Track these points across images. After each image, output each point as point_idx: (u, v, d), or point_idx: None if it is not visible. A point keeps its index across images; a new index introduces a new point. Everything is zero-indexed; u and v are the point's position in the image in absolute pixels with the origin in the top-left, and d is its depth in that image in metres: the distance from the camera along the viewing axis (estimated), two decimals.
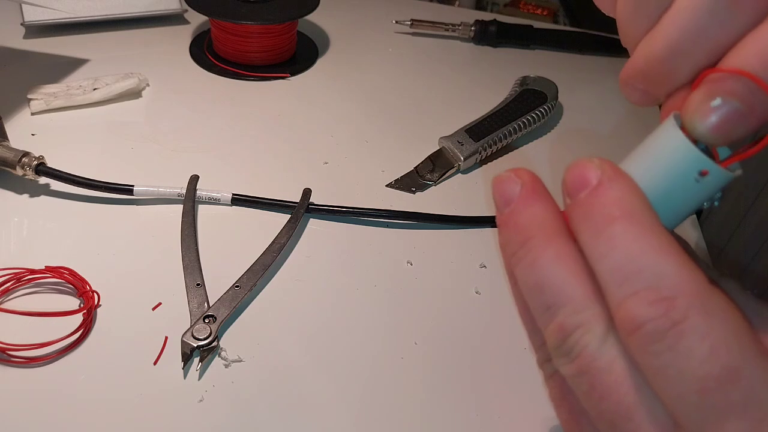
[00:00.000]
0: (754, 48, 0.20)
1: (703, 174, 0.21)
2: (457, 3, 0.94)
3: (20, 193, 0.47)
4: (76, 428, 0.34)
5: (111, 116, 0.56)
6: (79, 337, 0.37)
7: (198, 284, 0.41)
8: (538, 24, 0.76)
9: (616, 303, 0.20)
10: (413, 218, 0.48)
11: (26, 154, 0.46)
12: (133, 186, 0.47)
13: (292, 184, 0.49)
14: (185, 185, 0.48)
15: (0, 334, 0.36)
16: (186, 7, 0.64)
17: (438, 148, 0.55)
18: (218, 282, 0.41)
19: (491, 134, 0.55)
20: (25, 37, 0.66)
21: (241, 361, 0.38)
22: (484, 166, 0.56)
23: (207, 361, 0.37)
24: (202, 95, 0.61)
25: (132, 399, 0.35)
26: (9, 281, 0.40)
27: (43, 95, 0.56)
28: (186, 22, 0.72)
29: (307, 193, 0.48)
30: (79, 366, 0.36)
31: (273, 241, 0.44)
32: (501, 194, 0.24)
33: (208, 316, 0.39)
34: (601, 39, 0.74)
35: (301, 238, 0.46)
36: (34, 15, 0.65)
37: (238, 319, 0.40)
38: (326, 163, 0.54)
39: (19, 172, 0.45)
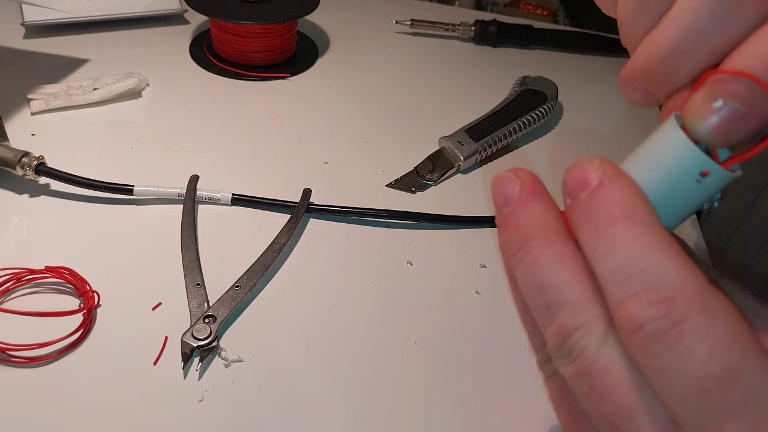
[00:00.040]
0: (757, 49, 0.20)
1: (704, 174, 0.21)
2: (457, 3, 0.94)
3: (20, 193, 0.47)
4: (76, 428, 0.34)
5: (111, 116, 0.56)
6: (79, 337, 0.37)
7: (198, 284, 0.41)
8: (538, 24, 0.76)
9: (617, 303, 0.20)
10: (413, 218, 0.48)
11: (26, 154, 0.46)
12: (133, 186, 0.47)
13: (292, 184, 0.49)
14: (185, 185, 0.48)
15: (0, 334, 0.36)
16: (186, 7, 0.64)
17: (438, 148, 0.55)
18: (218, 282, 0.41)
19: (491, 134, 0.55)
20: (25, 37, 0.66)
21: (241, 361, 0.38)
22: (484, 166, 0.56)
23: (207, 361, 0.37)
24: (202, 95, 0.61)
25: (132, 399, 0.35)
26: (9, 281, 0.40)
27: (43, 95, 0.56)
28: (186, 22, 0.72)
29: (307, 193, 0.48)
30: (79, 366, 0.36)
31: (273, 241, 0.44)
32: (500, 194, 0.24)
33: (208, 316, 0.39)
34: (601, 39, 0.74)
35: (301, 238, 0.46)
36: (34, 15, 0.65)
37: (238, 319, 0.40)
38: (326, 163, 0.54)
39: (19, 172, 0.45)
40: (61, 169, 0.46)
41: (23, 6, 0.64)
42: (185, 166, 0.51)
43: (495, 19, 0.74)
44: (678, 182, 0.21)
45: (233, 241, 0.46)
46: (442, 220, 0.49)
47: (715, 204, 0.22)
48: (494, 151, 0.56)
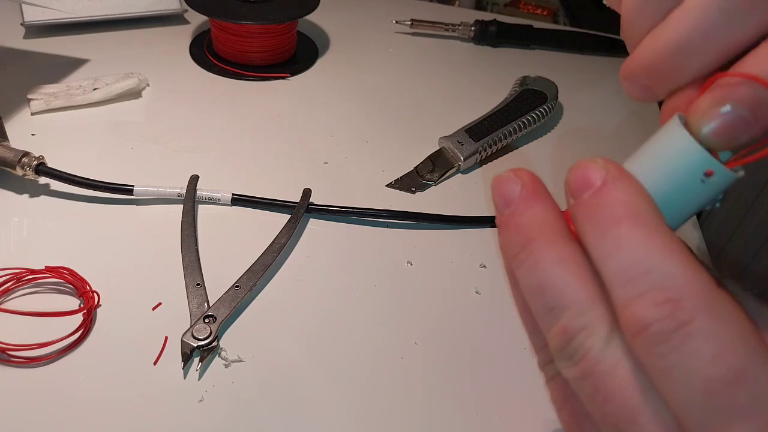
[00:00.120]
0: None
1: (708, 175, 0.21)
2: (457, 3, 0.94)
3: (20, 193, 0.47)
4: (76, 428, 0.34)
5: (111, 116, 0.56)
6: (79, 337, 0.37)
7: (198, 284, 0.41)
8: (538, 24, 0.76)
9: (622, 304, 0.20)
10: (413, 218, 0.48)
11: (26, 154, 0.46)
12: (133, 186, 0.47)
13: (292, 184, 0.49)
14: (185, 185, 0.48)
15: (0, 334, 0.36)
16: (186, 7, 0.64)
17: (438, 148, 0.55)
18: (218, 282, 0.41)
19: (491, 134, 0.55)
20: (25, 37, 0.66)
21: (241, 361, 0.38)
22: (484, 166, 0.56)
23: (207, 361, 0.37)
24: (202, 95, 0.61)
25: (132, 399, 0.35)
26: (9, 281, 0.40)
27: (43, 95, 0.56)
28: (186, 22, 0.72)
29: (307, 193, 0.48)
30: (79, 366, 0.36)
31: (273, 241, 0.44)
32: (501, 195, 0.24)
33: (208, 316, 0.39)
34: (601, 39, 0.74)
35: (301, 238, 0.46)
36: (34, 15, 0.65)
37: (238, 319, 0.40)
38: (326, 163, 0.54)
39: (19, 172, 0.45)
40: (61, 169, 0.46)
41: (23, 6, 0.64)
42: (185, 166, 0.51)
43: (495, 19, 0.74)
44: (682, 182, 0.21)
45: (233, 241, 0.46)
46: (442, 220, 0.49)
47: (717, 205, 0.22)
48: (494, 151, 0.56)
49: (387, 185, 0.52)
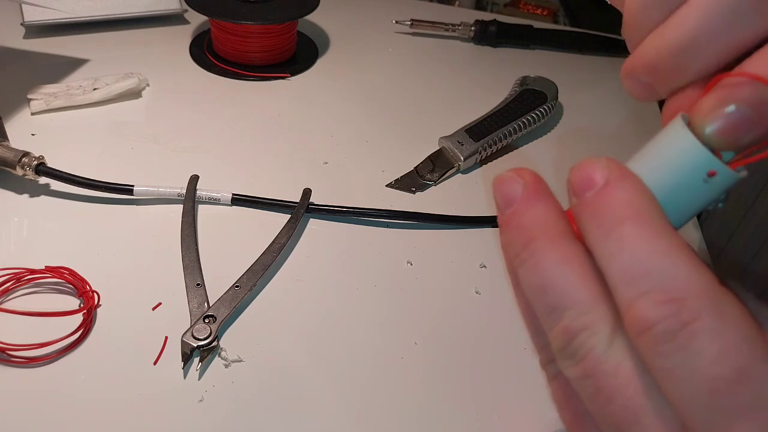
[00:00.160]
0: None
1: (710, 175, 0.21)
2: (457, 3, 0.94)
3: (20, 193, 0.47)
4: (76, 428, 0.34)
5: (111, 116, 0.56)
6: (79, 337, 0.37)
7: (198, 284, 0.41)
8: (538, 24, 0.76)
9: (626, 304, 0.20)
10: (413, 218, 0.48)
11: (26, 154, 0.46)
12: (133, 186, 0.47)
13: (292, 184, 0.49)
14: (185, 185, 0.48)
15: (0, 334, 0.36)
16: (186, 7, 0.64)
17: (438, 148, 0.55)
18: (218, 282, 0.41)
19: (491, 134, 0.55)
20: (25, 37, 0.66)
21: (241, 361, 0.38)
22: (484, 166, 0.56)
23: (207, 361, 0.37)
24: (202, 95, 0.61)
25: (132, 399, 0.35)
26: (9, 281, 0.40)
27: (43, 95, 0.56)
28: (186, 22, 0.72)
29: (307, 193, 0.48)
30: (79, 366, 0.36)
31: (273, 241, 0.44)
32: (502, 195, 0.23)
33: (208, 316, 0.39)
34: (601, 39, 0.74)
35: (301, 238, 0.46)
36: (34, 15, 0.65)
37: (238, 319, 0.40)
38: (326, 163, 0.54)
39: (19, 172, 0.45)
40: (61, 169, 0.46)
41: (23, 6, 0.64)
42: (185, 166, 0.51)
43: (495, 19, 0.74)
44: (685, 182, 0.21)
45: (233, 241, 0.46)
46: (442, 220, 0.49)
47: (720, 205, 0.22)
48: (494, 151, 0.56)
49: (387, 185, 0.52)
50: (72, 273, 0.41)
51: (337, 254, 0.46)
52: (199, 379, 0.36)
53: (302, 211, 0.47)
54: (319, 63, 0.68)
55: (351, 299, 0.42)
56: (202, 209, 0.48)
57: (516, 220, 0.23)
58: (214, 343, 0.38)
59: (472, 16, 0.77)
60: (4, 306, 0.39)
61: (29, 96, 0.56)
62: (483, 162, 0.56)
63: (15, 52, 0.63)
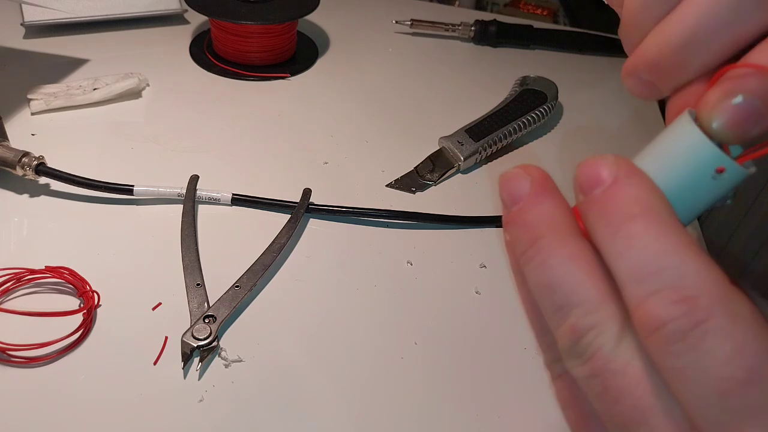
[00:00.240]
0: None
1: (719, 171, 0.20)
2: (457, 3, 0.94)
3: (20, 193, 0.47)
4: (76, 428, 0.34)
5: (111, 116, 0.56)
6: (79, 337, 0.37)
7: (198, 284, 0.41)
8: (538, 24, 0.76)
9: (635, 302, 0.19)
10: (413, 218, 0.48)
11: (26, 154, 0.46)
12: (133, 186, 0.47)
13: (292, 184, 0.49)
14: (185, 185, 0.48)
15: (0, 334, 0.36)
16: (186, 7, 0.64)
17: (438, 148, 0.55)
18: (218, 282, 0.41)
19: (491, 134, 0.55)
20: (25, 37, 0.66)
21: (241, 361, 0.38)
22: (484, 166, 0.56)
23: (207, 361, 0.37)
24: (202, 95, 0.61)
25: (132, 399, 0.35)
26: (9, 281, 0.40)
27: (43, 95, 0.56)
28: (186, 22, 0.72)
29: (307, 193, 0.48)
30: (79, 366, 0.36)
31: (273, 241, 0.44)
32: (509, 192, 0.23)
33: (208, 316, 0.39)
34: (601, 39, 0.74)
35: (301, 238, 0.46)
36: (34, 15, 0.65)
37: (238, 319, 0.40)
38: (326, 163, 0.54)
39: (19, 172, 0.45)
40: (61, 169, 0.46)
41: (23, 6, 0.64)
42: (185, 166, 0.51)
43: (495, 19, 0.74)
44: (693, 179, 0.21)
45: (233, 241, 0.46)
46: (442, 220, 0.49)
47: (728, 201, 0.22)
48: (494, 151, 0.56)
49: (387, 185, 0.52)
50: (72, 273, 0.41)
51: (337, 254, 0.46)
52: (199, 379, 0.36)
53: (302, 211, 0.47)
54: (319, 63, 0.68)
55: (351, 299, 0.42)
56: (202, 209, 0.48)
57: (523, 218, 0.22)
58: (214, 343, 0.38)
59: (472, 16, 0.77)
60: (4, 306, 0.39)
61: (29, 96, 0.56)
62: (483, 162, 0.56)
63: (15, 52, 0.63)
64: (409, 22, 0.73)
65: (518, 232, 0.23)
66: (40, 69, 0.61)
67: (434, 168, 0.54)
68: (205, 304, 0.40)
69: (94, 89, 0.57)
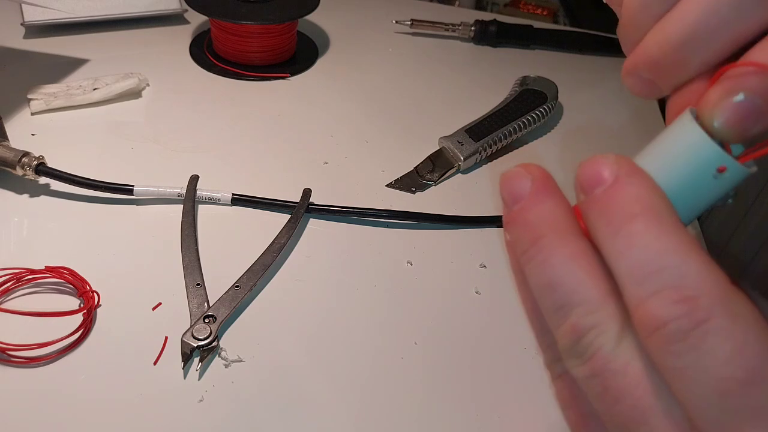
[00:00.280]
0: None
1: (720, 170, 0.20)
2: (457, 3, 0.94)
3: (20, 193, 0.47)
4: (76, 428, 0.34)
5: (111, 116, 0.56)
6: (79, 337, 0.37)
7: (198, 284, 0.41)
8: (538, 24, 0.76)
9: (636, 302, 0.19)
10: (413, 218, 0.48)
11: (26, 154, 0.46)
12: (133, 186, 0.47)
13: (292, 184, 0.49)
14: (185, 185, 0.48)
15: (0, 334, 0.36)
16: (186, 7, 0.64)
17: (438, 148, 0.55)
18: (218, 282, 0.41)
19: (491, 134, 0.55)
20: (25, 37, 0.66)
21: (241, 361, 0.38)
22: (484, 166, 0.56)
23: (207, 361, 0.37)
24: (202, 95, 0.61)
25: (132, 399, 0.35)
26: (9, 281, 0.40)
27: (43, 95, 0.56)
28: (186, 22, 0.72)
29: (307, 193, 0.48)
30: (79, 366, 0.36)
31: (273, 241, 0.44)
32: (510, 191, 0.23)
33: (208, 316, 0.39)
34: (601, 39, 0.74)
35: (301, 238, 0.46)
36: (34, 15, 0.65)
37: (238, 319, 0.40)
38: (326, 163, 0.54)
39: (19, 172, 0.45)
40: (61, 169, 0.46)
41: (23, 6, 0.64)
42: (185, 166, 0.51)
43: (495, 19, 0.74)
44: (694, 178, 0.21)
45: (233, 241, 0.46)
46: (442, 220, 0.49)
47: (729, 201, 0.22)
48: (494, 151, 0.56)
49: (387, 185, 0.52)
50: (72, 273, 0.41)
51: (337, 254, 0.46)
52: (199, 379, 0.36)
53: (302, 211, 0.47)
54: (319, 63, 0.68)
55: (351, 299, 0.42)
56: (202, 209, 0.48)
57: (524, 217, 0.22)
58: (214, 343, 0.38)
59: (472, 16, 0.77)
60: (4, 306, 0.39)
61: (29, 96, 0.56)
62: (483, 162, 0.56)
63: (15, 52, 0.63)
64: (409, 22, 0.73)
65: (519, 232, 0.23)
66: (40, 69, 0.61)
67: (434, 168, 0.54)
68: (205, 304, 0.40)
69: (94, 89, 0.57)
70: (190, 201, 0.47)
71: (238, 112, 0.59)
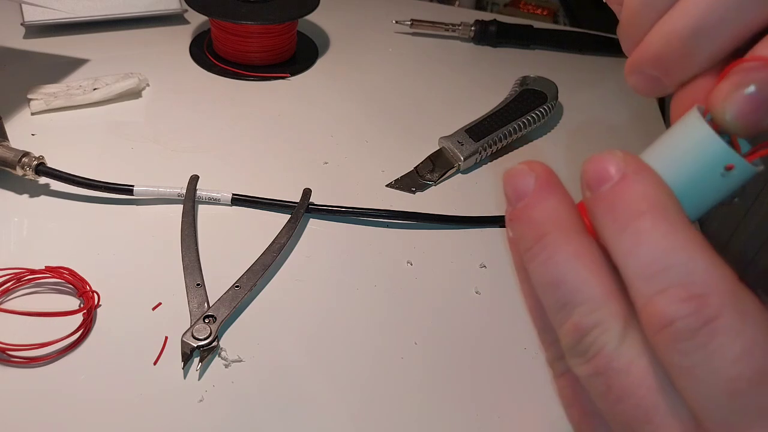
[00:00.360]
0: None
1: (728, 169, 0.20)
2: (457, 3, 0.94)
3: (20, 193, 0.47)
4: (76, 428, 0.34)
5: (111, 116, 0.56)
6: (79, 337, 0.37)
7: (198, 284, 0.41)
8: (538, 24, 0.76)
9: (643, 300, 0.19)
10: (413, 218, 0.48)
11: (26, 154, 0.46)
12: (133, 186, 0.47)
13: (292, 184, 0.49)
14: (185, 185, 0.48)
15: (0, 334, 0.36)
16: (186, 7, 0.64)
17: (438, 148, 0.55)
18: (218, 282, 0.41)
19: (491, 134, 0.55)
20: (25, 37, 0.66)
21: (241, 361, 0.38)
22: (484, 166, 0.56)
23: (207, 361, 0.37)
24: (202, 95, 0.61)
25: (132, 399, 0.35)
26: (9, 281, 0.40)
27: (43, 95, 0.56)
28: (186, 22, 0.72)
29: (307, 193, 0.48)
30: (79, 366, 0.36)
31: (273, 241, 0.44)
32: (513, 188, 0.23)
33: (208, 316, 0.39)
34: (601, 39, 0.74)
35: (301, 238, 0.46)
36: (34, 15, 0.65)
37: (238, 319, 0.40)
38: (326, 163, 0.54)
39: (19, 172, 0.45)
40: (61, 169, 0.46)
41: (23, 6, 0.64)
42: (185, 166, 0.51)
43: (495, 19, 0.74)
44: (702, 176, 0.21)
45: (233, 241, 0.46)
46: (442, 220, 0.49)
47: (736, 200, 0.22)
48: (494, 151, 0.56)
49: (387, 185, 0.52)
50: (72, 273, 0.41)
51: (337, 254, 0.46)
52: (199, 379, 0.36)
53: (302, 211, 0.47)
54: (319, 63, 0.68)
55: (351, 299, 0.42)
56: (202, 209, 0.48)
57: (527, 214, 0.22)
58: (214, 343, 0.38)
59: (472, 16, 0.77)
60: (4, 306, 0.39)
61: (29, 96, 0.56)
62: (483, 162, 0.56)
63: (15, 52, 0.63)
64: (409, 22, 0.73)
65: (522, 229, 0.22)
66: (40, 69, 0.61)
67: (434, 168, 0.54)
68: (205, 304, 0.40)
69: (94, 89, 0.57)
70: (190, 201, 0.47)
71: (238, 112, 0.59)
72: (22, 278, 0.40)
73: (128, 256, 0.43)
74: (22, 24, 0.65)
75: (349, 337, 0.40)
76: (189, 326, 0.38)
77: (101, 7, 0.67)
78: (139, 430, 0.34)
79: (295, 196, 0.48)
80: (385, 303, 0.42)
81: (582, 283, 0.21)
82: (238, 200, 0.48)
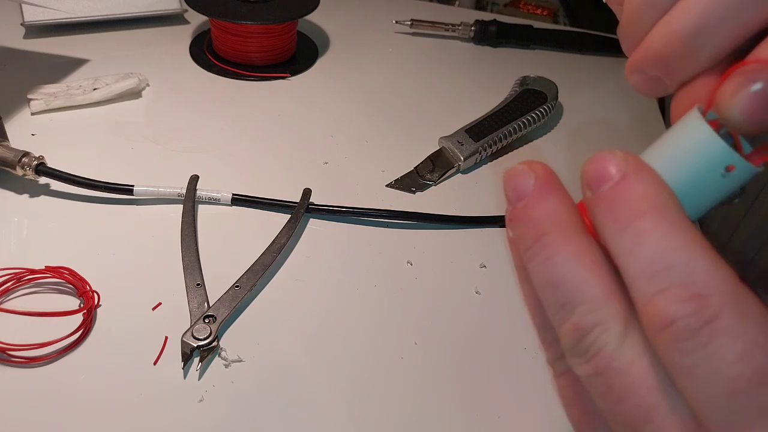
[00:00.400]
0: None
1: (729, 169, 0.20)
2: (457, 3, 0.94)
3: (20, 193, 0.47)
4: (76, 428, 0.34)
5: (111, 116, 0.56)
6: (79, 337, 0.37)
7: (198, 284, 0.41)
8: (538, 24, 0.76)
9: (644, 300, 0.19)
10: (413, 218, 0.48)
11: (26, 154, 0.46)
12: (133, 186, 0.47)
13: (292, 184, 0.49)
14: (185, 185, 0.48)
15: (0, 334, 0.36)
16: (186, 7, 0.64)
17: (438, 148, 0.55)
18: (218, 282, 0.41)
19: (491, 134, 0.55)
20: (25, 37, 0.66)
21: (241, 361, 0.38)
22: (484, 166, 0.56)
23: (207, 361, 0.37)
24: (202, 95, 0.61)
25: (132, 399, 0.35)
26: (9, 281, 0.40)
27: (43, 95, 0.56)
28: (186, 22, 0.72)
29: (307, 193, 0.48)
30: (79, 366, 0.36)
31: (273, 241, 0.44)
32: (513, 188, 0.23)
33: (208, 316, 0.39)
34: (601, 39, 0.74)
35: (301, 238, 0.46)
36: (34, 15, 0.65)
37: (238, 319, 0.40)
38: (326, 163, 0.54)
39: (19, 172, 0.45)
40: (61, 169, 0.46)
41: (23, 6, 0.64)
42: (185, 166, 0.51)
43: (495, 19, 0.74)
44: (702, 176, 0.21)
45: (233, 241, 0.46)
46: (442, 220, 0.49)
47: (736, 200, 0.22)
48: (494, 151, 0.56)
49: (387, 185, 0.52)
50: (72, 273, 0.41)
51: (337, 254, 0.46)
52: (199, 379, 0.36)
53: (302, 211, 0.47)
54: (319, 63, 0.68)
55: (351, 299, 0.42)
56: (202, 209, 0.48)
57: (527, 214, 0.22)
58: (214, 343, 0.38)
59: (472, 16, 0.77)
60: (4, 306, 0.39)
61: (29, 96, 0.56)
62: (483, 162, 0.56)
63: (15, 52, 0.63)
64: (409, 22, 0.73)
65: (522, 229, 0.22)
66: (40, 69, 0.61)
67: (434, 168, 0.54)
68: (205, 304, 0.40)
69: (94, 89, 0.57)
70: (190, 201, 0.47)
71: (238, 112, 0.59)
72: (22, 278, 0.40)
73: (128, 256, 0.43)
74: (22, 24, 0.65)
75: (349, 337, 0.40)
76: (189, 326, 0.38)
77: (101, 7, 0.67)
78: (139, 430, 0.34)
79: (295, 196, 0.48)
80: (385, 303, 0.42)
81: (582, 283, 0.21)
82: (238, 200, 0.48)
